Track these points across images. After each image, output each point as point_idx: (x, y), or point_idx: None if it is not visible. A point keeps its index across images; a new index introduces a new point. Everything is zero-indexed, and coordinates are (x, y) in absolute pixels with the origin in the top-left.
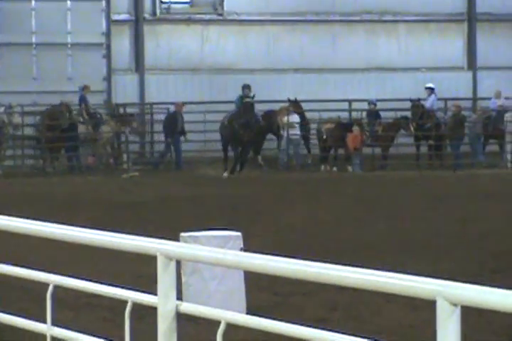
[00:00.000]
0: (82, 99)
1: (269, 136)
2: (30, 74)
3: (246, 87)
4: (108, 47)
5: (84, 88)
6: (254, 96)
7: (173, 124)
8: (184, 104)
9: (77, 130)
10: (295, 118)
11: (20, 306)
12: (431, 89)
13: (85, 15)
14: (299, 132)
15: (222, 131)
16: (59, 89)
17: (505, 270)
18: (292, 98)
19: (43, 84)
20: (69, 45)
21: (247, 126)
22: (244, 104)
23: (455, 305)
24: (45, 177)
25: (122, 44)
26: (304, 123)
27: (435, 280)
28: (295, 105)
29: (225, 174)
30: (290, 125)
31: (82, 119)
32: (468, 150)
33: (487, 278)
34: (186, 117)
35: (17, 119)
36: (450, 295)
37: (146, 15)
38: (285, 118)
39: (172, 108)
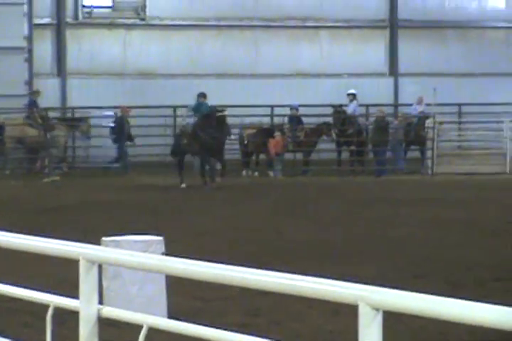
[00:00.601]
0: (33, 104)
1: (159, 140)
2: None
3: (202, 96)
4: (30, 51)
5: (34, 92)
6: (224, 110)
7: (120, 129)
8: (129, 108)
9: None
10: None
11: None
12: (353, 95)
13: (7, 18)
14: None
15: (181, 139)
16: None
17: (426, 275)
18: (214, 103)
19: None
20: None
21: (218, 138)
22: (218, 117)
23: (377, 309)
24: None
25: (44, 48)
26: None
27: (357, 285)
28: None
29: (183, 185)
30: None
31: (34, 124)
32: (390, 157)
33: (408, 283)
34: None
35: None
36: (372, 300)
37: (69, 20)
38: None
39: (118, 112)
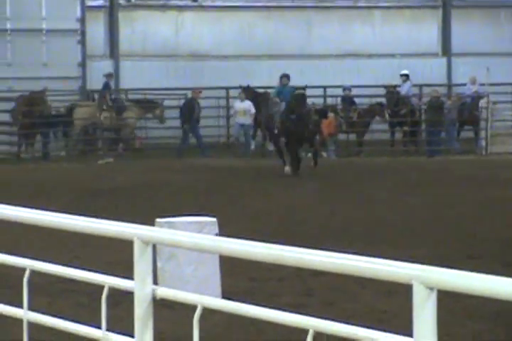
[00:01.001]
0: (106, 86)
1: (213, 122)
2: (5, 61)
3: (284, 76)
4: (83, 33)
5: (108, 75)
6: (305, 87)
7: (190, 111)
8: (201, 91)
9: (51, 117)
10: (247, 105)
11: None
12: (406, 76)
13: (60, 1)
14: (250, 120)
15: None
16: (34, 75)
17: (481, 255)
18: (246, 85)
19: (18, 70)
20: (44, 31)
21: (303, 121)
22: (296, 96)
23: (431, 289)
24: (19, 163)
25: (97, 30)
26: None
27: (411, 264)
28: (247, 92)
29: (287, 168)
30: (241, 113)
31: (105, 106)
32: (444, 137)
33: (463, 263)
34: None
35: None
36: (426, 279)
37: (121, 1)
38: (237, 105)
39: (189, 94)
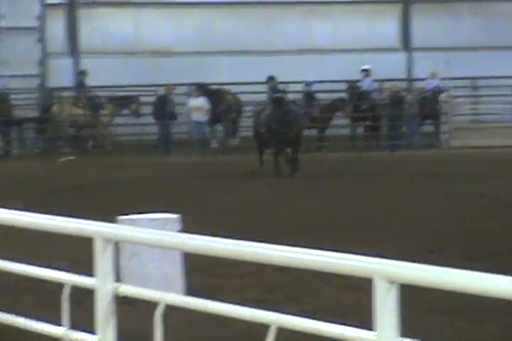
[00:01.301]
0: (80, 84)
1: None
2: None
3: (271, 79)
4: (42, 31)
5: (82, 72)
6: (284, 90)
7: (163, 107)
8: (174, 87)
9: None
10: (202, 101)
11: None
12: (367, 71)
13: None
14: (205, 116)
15: (259, 129)
16: None
17: (441, 249)
18: (225, 81)
19: None
20: (2, 29)
21: (287, 124)
22: (275, 99)
23: (392, 282)
24: None
25: (57, 28)
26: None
27: (372, 258)
28: (201, 89)
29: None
30: (196, 110)
31: (80, 104)
32: (405, 131)
33: (423, 257)
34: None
35: None
36: (387, 273)
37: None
38: (191, 102)
39: (161, 91)
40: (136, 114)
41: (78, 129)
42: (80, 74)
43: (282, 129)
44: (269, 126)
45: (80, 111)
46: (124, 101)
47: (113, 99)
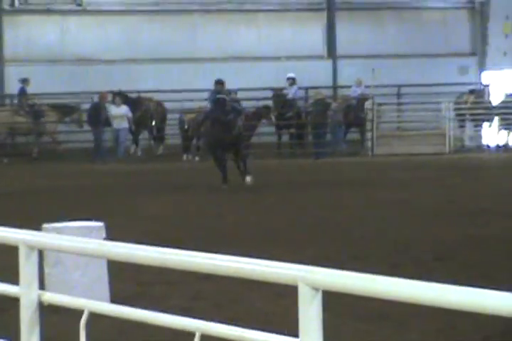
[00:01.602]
0: (22, 92)
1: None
2: None
3: (218, 82)
4: None
5: (24, 81)
6: (229, 93)
7: (97, 115)
8: (108, 93)
9: None
10: (124, 110)
11: None
12: (292, 79)
13: None
14: (127, 124)
15: (202, 132)
16: None
17: (366, 256)
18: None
19: None
20: None
21: (227, 126)
22: (217, 100)
23: (316, 289)
24: None
25: None
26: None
27: (296, 265)
28: (121, 96)
29: (224, 186)
30: (118, 118)
31: (22, 112)
32: (330, 139)
33: (349, 264)
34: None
35: None
36: (311, 280)
37: (5, 7)
38: (113, 111)
39: (95, 98)
40: (79, 123)
41: (21, 137)
42: (22, 81)
43: (221, 134)
44: (210, 133)
45: (21, 119)
46: (67, 110)
47: (56, 107)
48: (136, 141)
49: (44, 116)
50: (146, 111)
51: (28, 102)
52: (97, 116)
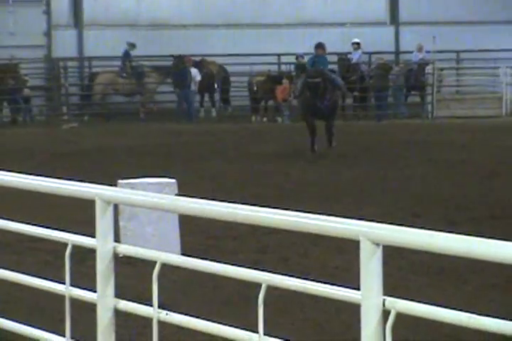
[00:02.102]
0: (127, 55)
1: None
2: None
3: (319, 47)
4: (48, 3)
5: (130, 45)
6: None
7: (183, 77)
8: (191, 57)
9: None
10: (193, 72)
11: None
12: (357, 44)
13: None
14: (195, 87)
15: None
16: (1, 44)
17: (425, 214)
18: (224, 52)
19: None
20: (10, 2)
21: (323, 97)
22: (309, 85)
23: (377, 244)
24: None
25: (61, 1)
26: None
27: (359, 221)
28: (185, 60)
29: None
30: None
31: (125, 74)
32: (391, 102)
33: (408, 221)
34: None
35: None
36: (372, 235)
37: None
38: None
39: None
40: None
41: (126, 97)
42: (128, 45)
43: (316, 103)
44: (306, 101)
45: (120, 80)
46: (167, 71)
47: (157, 68)
48: (201, 103)
49: (145, 77)
50: (207, 74)
51: (132, 64)
52: (184, 79)
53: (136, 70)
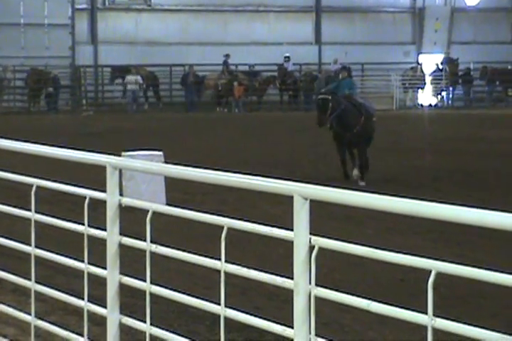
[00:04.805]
0: (225, 63)
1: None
2: (19, 44)
3: (343, 69)
4: (73, 26)
5: (227, 55)
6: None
7: (186, 80)
8: (193, 67)
9: (57, 83)
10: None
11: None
12: (288, 57)
13: (57, 4)
14: (135, 86)
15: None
16: (39, 55)
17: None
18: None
19: (29, 51)
20: (46, 25)
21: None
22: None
23: (306, 199)
24: (29, 115)
25: (82, 25)
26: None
27: (292, 182)
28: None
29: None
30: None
31: (223, 76)
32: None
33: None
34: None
35: (11, 75)
36: (303, 192)
37: (99, 6)
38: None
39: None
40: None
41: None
42: (225, 56)
43: (342, 131)
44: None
45: (223, 81)
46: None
47: (247, 74)
48: (146, 98)
49: (236, 79)
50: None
51: (229, 70)
52: (186, 81)
53: (232, 74)
